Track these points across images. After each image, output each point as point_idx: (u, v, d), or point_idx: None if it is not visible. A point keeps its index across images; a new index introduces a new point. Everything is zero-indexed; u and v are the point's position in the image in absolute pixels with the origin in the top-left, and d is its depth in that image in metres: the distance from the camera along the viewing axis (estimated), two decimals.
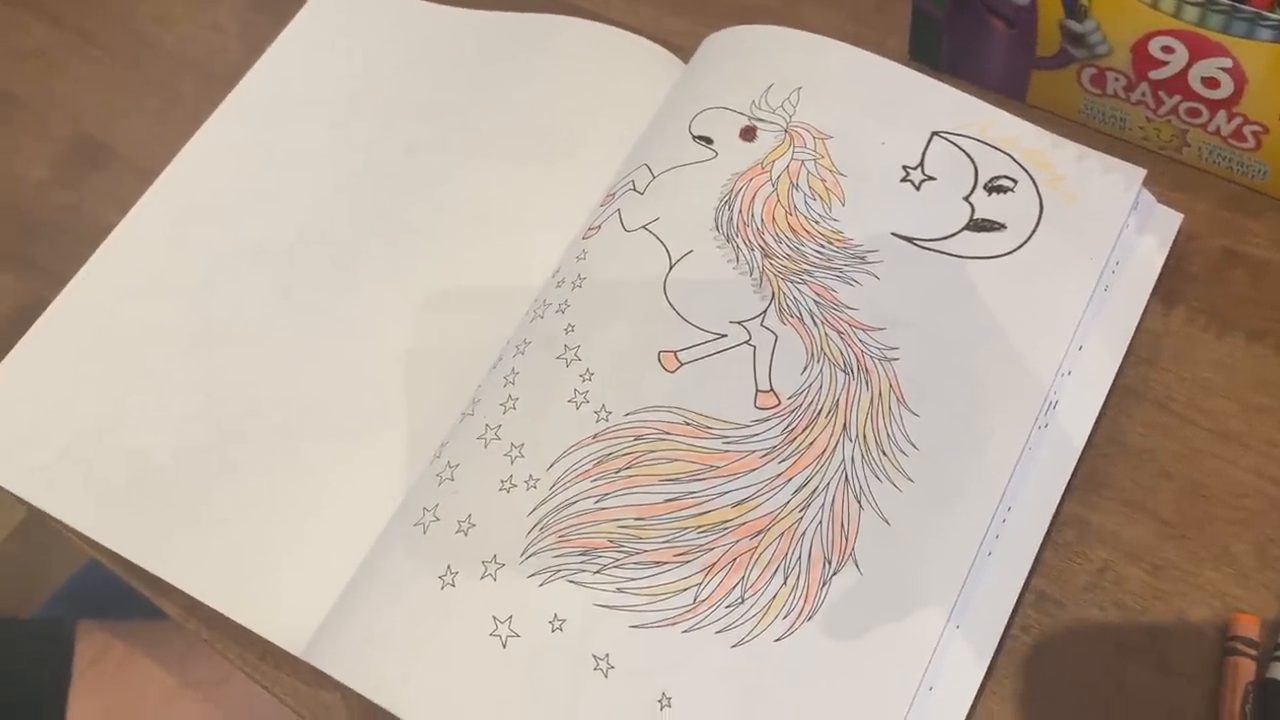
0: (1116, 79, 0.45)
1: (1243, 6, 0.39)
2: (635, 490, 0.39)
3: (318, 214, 0.51)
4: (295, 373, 0.47)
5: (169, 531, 0.44)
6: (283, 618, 0.41)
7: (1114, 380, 0.42)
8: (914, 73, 0.46)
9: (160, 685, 0.58)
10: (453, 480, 0.41)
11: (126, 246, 0.52)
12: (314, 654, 0.39)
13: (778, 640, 0.37)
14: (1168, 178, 0.46)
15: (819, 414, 0.40)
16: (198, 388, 0.47)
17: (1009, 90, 0.49)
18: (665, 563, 0.38)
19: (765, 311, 0.42)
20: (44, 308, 0.51)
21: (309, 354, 0.47)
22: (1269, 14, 0.39)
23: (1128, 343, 0.42)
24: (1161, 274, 0.44)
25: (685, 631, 0.37)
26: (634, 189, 0.45)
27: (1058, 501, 0.40)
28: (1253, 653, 0.38)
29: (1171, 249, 0.45)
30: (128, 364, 0.48)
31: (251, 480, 0.44)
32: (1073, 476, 0.41)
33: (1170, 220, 0.44)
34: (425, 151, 0.52)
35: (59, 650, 0.59)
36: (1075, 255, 0.42)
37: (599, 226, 0.45)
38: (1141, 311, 0.43)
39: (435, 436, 0.43)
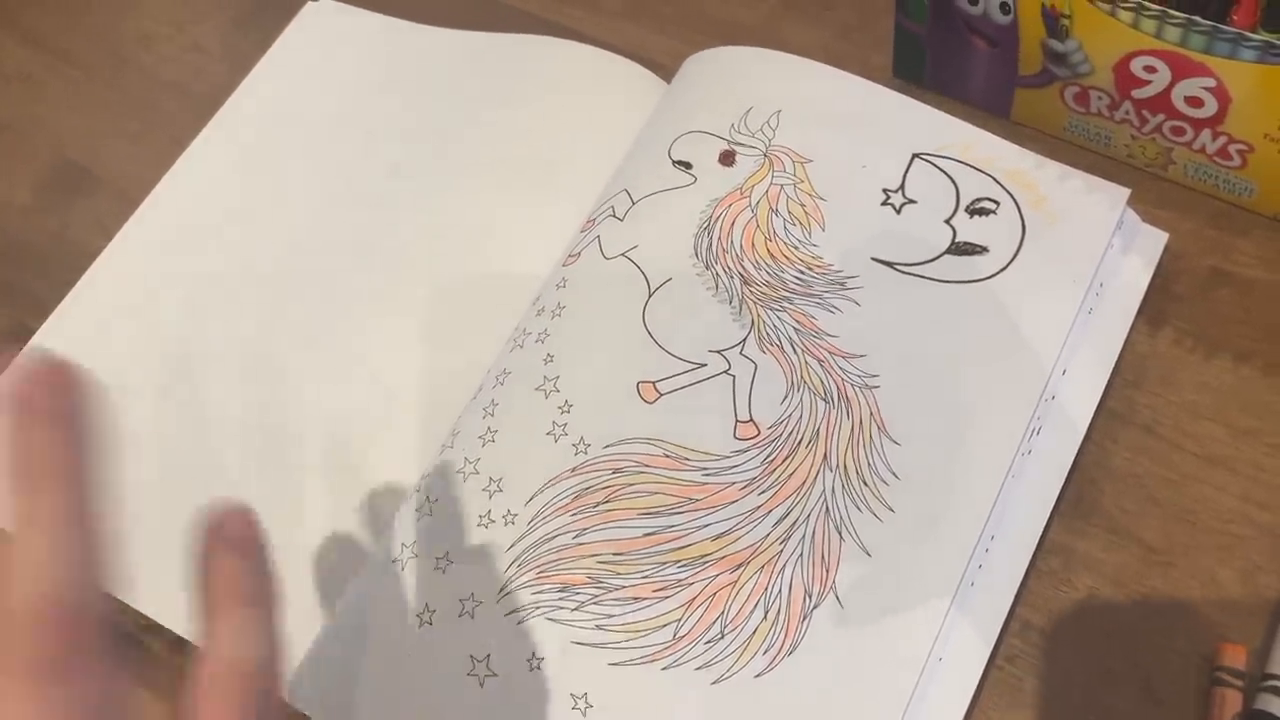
0: (1100, 98, 0.44)
1: (1225, 27, 0.38)
2: (614, 524, 0.39)
3: (301, 238, 0.51)
4: (279, 402, 0.46)
5: (153, 567, 0.44)
6: None
7: (1100, 404, 0.42)
8: (894, 94, 0.46)
9: (157, 714, 0.58)
10: (431, 515, 0.40)
11: (110, 273, 0.52)
12: (293, 694, 0.39)
13: (758, 676, 0.36)
14: (1154, 195, 0.46)
15: (799, 444, 0.40)
16: (182, 416, 0.47)
17: (993, 107, 0.48)
18: (644, 598, 0.38)
19: (745, 340, 0.41)
20: (29, 336, 0.51)
21: (293, 382, 0.47)
22: (1251, 34, 0.38)
23: (1113, 366, 0.42)
24: (1148, 294, 0.44)
25: (664, 669, 0.37)
26: (614, 215, 0.45)
27: (1042, 529, 0.40)
28: (1239, 683, 0.37)
29: (1158, 269, 0.44)
30: (112, 392, 0.48)
31: None
32: (1058, 503, 0.41)
33: (1156, 240, 0.44)
34: (408, 174, 0.51)
35: None
36: (1058, 277, 0.42)
37: (579, 254, 0.45)
38: (1127, 333, 0.43)
39: (420, 468, 0.43)
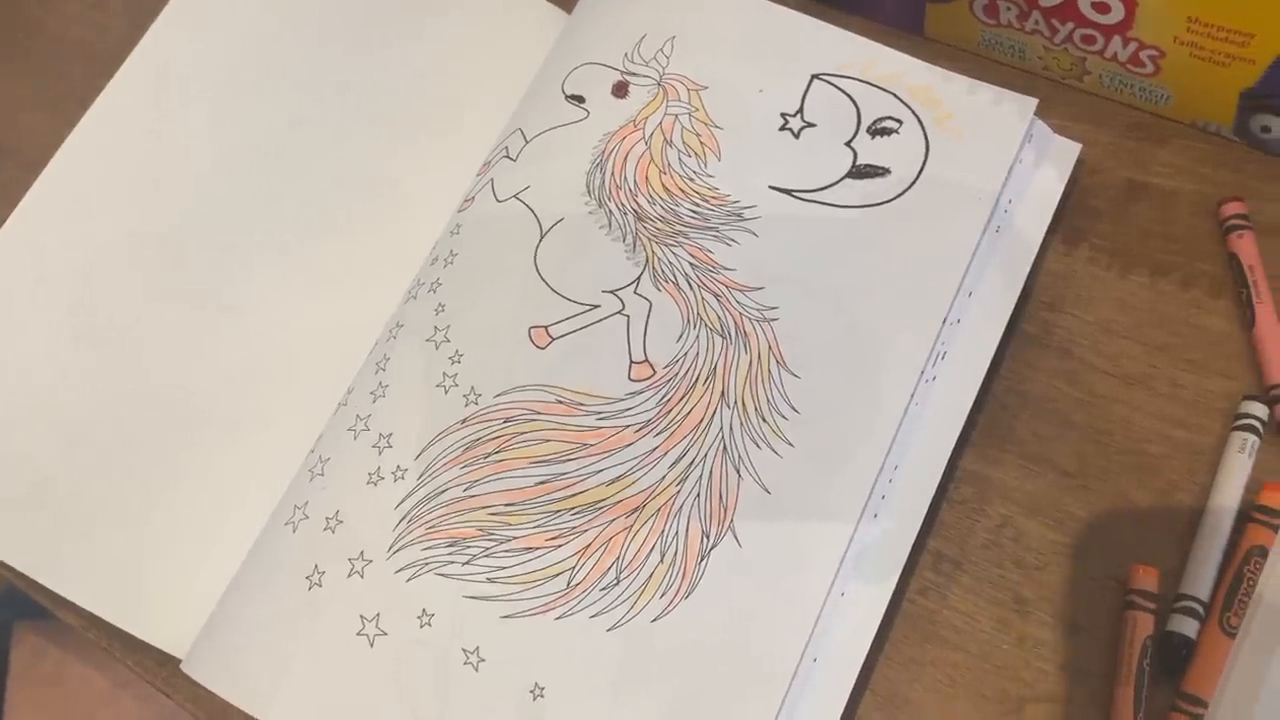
0: (1009, 8, 0.42)
1: None
2: (505, 475, 0.38)
3: (203, 194, 0.49)
4: (182, 368, 0.45)
5: (58, 543, 0.43)
6: (172, 625, 0.40)
7: (1015, 327, 0.41)
8: (793, 13, 0.44)
9: (96, 685, 0.58)
10: (323, 475, 0.39)
11: (13, 244, 0.51)
12: (191, 665, 0.38)
13: (655, 620, 0.36)
14: (1071, 108, 0.44)
15: (696, 382, 0.38)
16: (85, 386, 0.46)
17: (906, 25, 0.46)
18: (537, 548, 0.37)
19: (639, 278, 0.40)
20: None
21: (195, 348, 0.46)
22: None
23: (1021, 285, 0.40)
24: (1065, 212, 0.42)
25: (559, 618, 0.36)
26: (508, 156, 0.43)
27: (948, 458, 0.38)
28: (1151, 606, 0.36)
29: (1075, 184, 0.42)
30: (18, 364, 0.47)
31: (139, 484, 0.43)
32: (971, 430, 0.40)
33: (1068, 152, 0.42)
34: (309, 126, 0.50)
35: None
36: (963, 196, 0.40)
37: (473, 198, 0.43)
38: (1039, 252, 0.41)
39: (320, 429, 0.42)
